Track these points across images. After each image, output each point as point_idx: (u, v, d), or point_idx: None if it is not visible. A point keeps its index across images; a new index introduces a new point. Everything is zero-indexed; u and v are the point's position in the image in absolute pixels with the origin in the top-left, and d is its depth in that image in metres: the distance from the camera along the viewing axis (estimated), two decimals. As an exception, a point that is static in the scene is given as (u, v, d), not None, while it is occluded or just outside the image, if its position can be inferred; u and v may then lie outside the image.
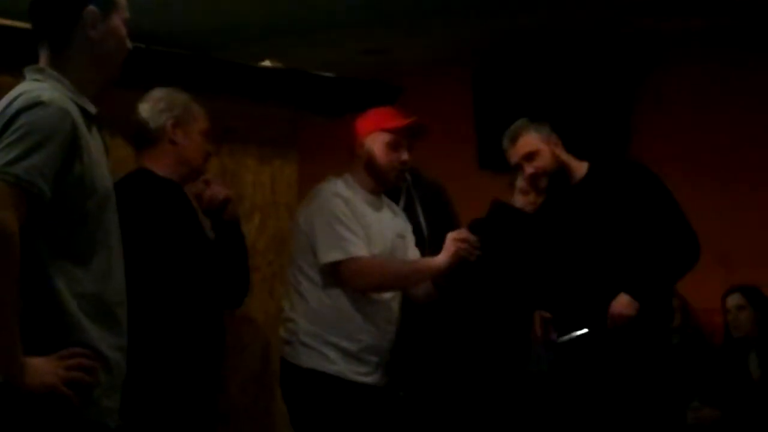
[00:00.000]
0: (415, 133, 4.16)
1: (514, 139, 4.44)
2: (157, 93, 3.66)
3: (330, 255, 3.93)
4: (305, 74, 4.71)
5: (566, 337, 4.32)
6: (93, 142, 2.68)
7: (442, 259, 3.97)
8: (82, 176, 2.60)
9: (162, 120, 3.60)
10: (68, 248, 2.59)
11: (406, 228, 4.29)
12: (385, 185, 4.17)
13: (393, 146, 4.09)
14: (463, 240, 3.96)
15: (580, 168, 4.47)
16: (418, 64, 7.63)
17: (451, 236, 3.98)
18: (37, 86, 2.64)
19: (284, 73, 4.64)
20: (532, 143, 4.41)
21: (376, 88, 4.91)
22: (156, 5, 5.93)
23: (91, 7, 2.71)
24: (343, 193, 4.05)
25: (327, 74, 4.79)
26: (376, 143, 4.09)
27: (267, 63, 4.64)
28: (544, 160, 4.41)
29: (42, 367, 2.50)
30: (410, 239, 4.28)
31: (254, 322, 4.47)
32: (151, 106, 3.63)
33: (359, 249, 3.94)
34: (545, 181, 4.43)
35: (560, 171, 4.43)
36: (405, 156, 4.13)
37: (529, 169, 4.42)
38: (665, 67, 7.22)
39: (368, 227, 4.03)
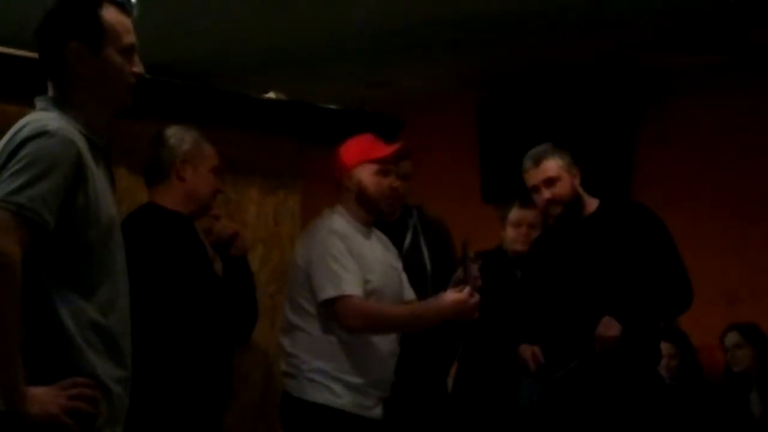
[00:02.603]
0: (400, 157, 4.19)
1: (537, 162, 4.43)
2: (168, 130, 3.69)
3: (325, 292, 3.91)
4: (309, 106, 4.73)
5: (559, 373, 4.31)
6: (99, 172, 2.68)
7: (446, 311, 3.95)
8: (86, 206, 2.59)
9: (171, 156, 3.63)
10: (72, 278, 2.59)
11: (397, 259, 4.29)
12: (377, 215, 4.17)
13: (382, 174, 4.11)
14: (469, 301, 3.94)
15: (591, 203, 4.48)
16: (422, 97, 7.65)
17: (462, 298, 3.94)
18: (44, 116, 2.64)
19: (288, 104, 4.65)
20: (555, 169, 4.40)
21: (379, 121, 4.93)
22: (158, 36, 5.94)
23: (74, 43, 2.69)
24: (339, 229, 4.03)
25: (331, 106, 4.80)
26: (364, 174, 4.10)
27: (271, 94, 4.65)
28: (563, 188, 4.40)
29: (44, 397, 2.48)
30: (402, 271, 4.27)
31: (255, 353, 4.45)
32: (160, 143, 3.66)
33: (352, 287, 3.91)
34: (559, 209, 4.42)
35: (575, 202, 4.43)
36: (395, 182, 4.15)
37: (546, 194, 4.40)
38: (668, 102, 7.23)
39: (364, 258, 4.01)
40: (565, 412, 4.36)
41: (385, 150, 4.14)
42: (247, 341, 3.88)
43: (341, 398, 3.90)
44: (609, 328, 4.20)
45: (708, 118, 7.08)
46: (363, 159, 4.11)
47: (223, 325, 3.59)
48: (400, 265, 4.28)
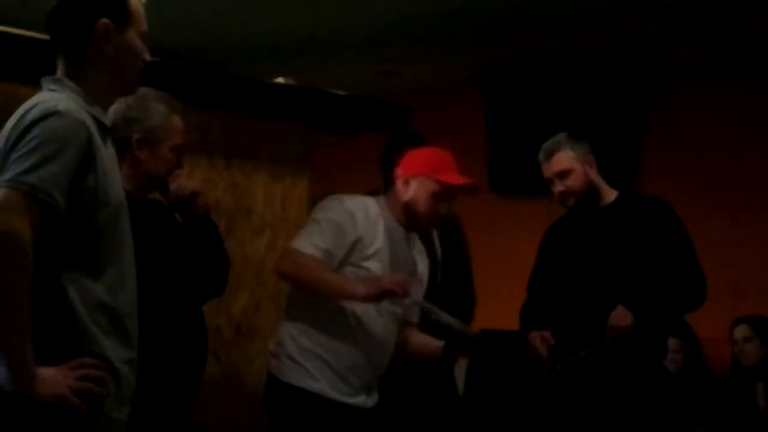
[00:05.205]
0: (463, 192, 4.06)
1: (549, 155, 4.40)
2: (133, 98, 3.29)
3: (294, 242, 3.86)
4: (318, 92, 4.71)
5: (571, 359, 4.29)
6: (107, 153, 2.68)
7: (361, 291, 3.78)
8: (95, 187, 2.59)
9: (128, 132, 3.37)
10: (81, 259, 2.59)
11: (425, 272, 4.20)
12: (414, 229, 4.06)
13: (439, 198, 3.96)
14: (395, 284, 3.77)
15: (609, 194, 4.46)
16: (430, 86, 7.65)
17: (386, 278, 3.80)
18: (53, 96, 2.64)
19: (297, 90, 4.65)
20: (567, 161, 4.36)
21: (388, 108, 4.92)
22: (169, 21, 5.95)
23: (105, 20, 2.70)
24: (350, 207, 3.92)
25: (340, 92, 4.79)
26: (424, 188, 3.94)
27: (280, 80, 4.65)
28: (575, 180, 4.37)
29: (53, 378, 2.49)
30: (422, 283, 4.17)
31: (260, 339, 4.46)
32: (123, 111, 3.37)
33: (308, 246, 3.81)
34: (573, 200, 4.40)
35: (590, 192, 4.41)
36: (445, 209, 4.02)
37: (559, 186, 4.39)
38: (675, 94, 7.23)
39: (368, 246, 3.90)
40: (570, 401, 4.36)
41: (457, 179, 3.97)
42: (222, 291, 3.71)
43: (319, 382, 3.84)
44: (622, 318, 4.19)
45: (716, 111, 7.08)
46: (430, 174, 3.95)
47: (191, 284, 3.47)
48: (425, 278, 4.18)
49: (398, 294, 3.76)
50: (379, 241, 3.94)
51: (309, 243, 3.82)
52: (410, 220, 4.00)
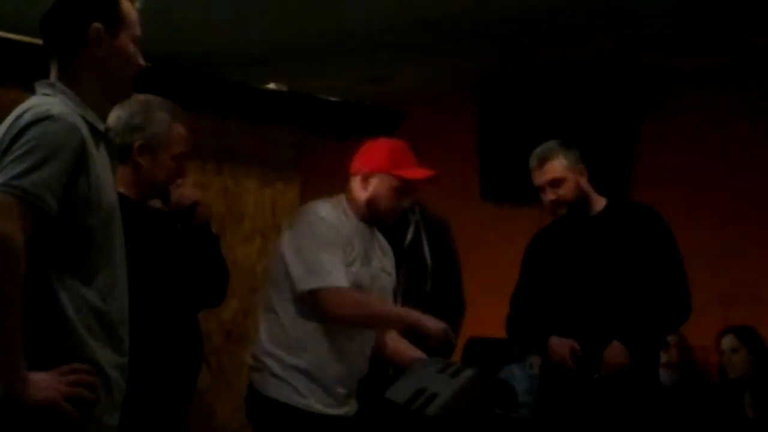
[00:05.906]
0: (425, 184, 4.03)
1: (542, 163, 4.38)
2: (137, 104, 3.36)
3: (309, 282, 3.76)
4: (310, 97, 4.71)
5: (597, 375, 4.25)
6: (100, 158, 2.68)
7: (428, 323, 3.82)
8: (88, 192, 2.59)
9: (130, 139, 3.37)
10: (73, 264, 2.58)
11: (393, 266, 4.17)
12: (378, 225, 4.04)
13: (401, 193, 3.94)
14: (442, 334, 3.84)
15: (599, 202, 4.45)
16: (422, 94, 7.65)
17: (443, 328, 3.84)
18: (47, 100, 2.64)
19: (289, 95, 4.64)
20: (559, 170, 4.36)
21: (380, 114, 4.92)
22: (162, 27, 5.94)
23: (97, 25, 2.71)
24: (329, 217, 3.88)
25: (331, 98, 4.79)
26: (385, 185, 3.91)
27: (272, 85, 4.64)
28: (567, 189, 4.36)
29: (44, 382, 2.48)
30: (393, 279, 4.16)
31: (251, 344, 4.44)
32: (126, 118, 3.38)
33: (340, 279, 3.77)
34: (565, 209, 4.38)
35: (581, 201, 4.40)
36: (407, 202, 4.03)
37: (551, 195, 4.37)
38: (668, 103, 7.24)
39: (351, 249, 3.88)
40: (565, 414, 4.34)
41: (418, 173, 3.94)
42: (220, 301, 3.71)
43: (304, 397, 3.81)
44: (618, 355, 4.17)
45: (708, 120, 7.09)
46: (390, 170, 3.92)
47: (189, 293, 3.47)
48: (393, 272, 4.17)
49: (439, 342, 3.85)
50: (356, 243, 3.92)
51: (339, 275, 3.77)
52: (372, 216, 3.97)
